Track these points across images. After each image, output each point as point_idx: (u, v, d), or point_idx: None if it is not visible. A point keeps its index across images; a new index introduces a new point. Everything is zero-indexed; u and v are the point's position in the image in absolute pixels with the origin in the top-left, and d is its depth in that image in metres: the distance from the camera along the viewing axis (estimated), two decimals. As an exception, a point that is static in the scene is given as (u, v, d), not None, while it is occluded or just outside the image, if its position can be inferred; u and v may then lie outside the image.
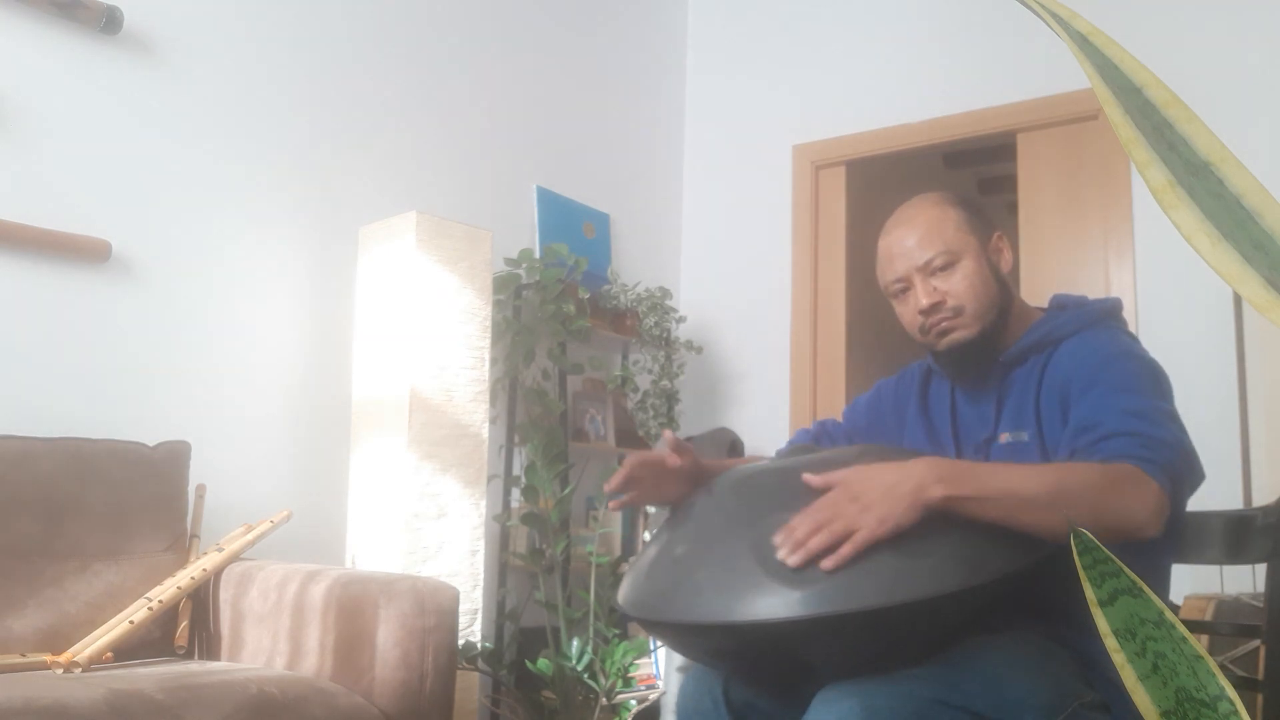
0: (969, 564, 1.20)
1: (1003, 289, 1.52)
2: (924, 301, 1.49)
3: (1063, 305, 1.54)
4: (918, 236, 1.50)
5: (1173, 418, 1.33)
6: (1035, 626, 1.35)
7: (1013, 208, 3.74)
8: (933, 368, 1.64)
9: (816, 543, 1.18)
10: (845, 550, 1.17)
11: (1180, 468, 1.28)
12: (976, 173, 5.47)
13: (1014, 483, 1.23)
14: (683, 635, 1.31)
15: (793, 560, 1.18)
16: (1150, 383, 1.37)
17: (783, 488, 1.33)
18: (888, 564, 1.18)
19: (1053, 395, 1.43)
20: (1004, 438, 1.48)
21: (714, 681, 1.37)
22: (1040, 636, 1.34)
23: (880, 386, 1.74)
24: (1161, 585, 1.45)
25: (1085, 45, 0.61)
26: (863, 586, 1.16)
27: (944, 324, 1.49)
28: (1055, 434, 1.41)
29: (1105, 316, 1.50)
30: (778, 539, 1.21)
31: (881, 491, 1.21)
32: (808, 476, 1.28)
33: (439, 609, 1.99)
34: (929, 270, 1.49)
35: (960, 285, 1.48)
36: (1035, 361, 1.48)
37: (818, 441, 1.71)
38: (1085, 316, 1.49)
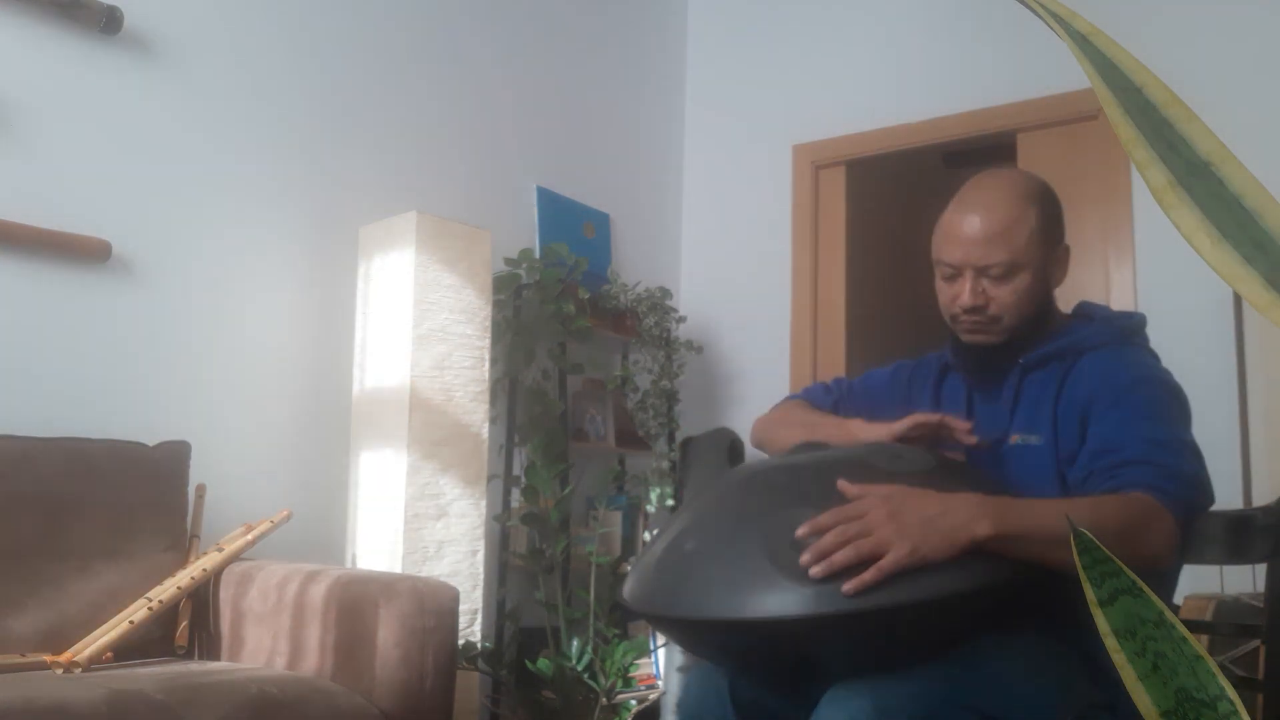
0: (980, 565, 1.20)
1: (1046, 304, 1.50)
2: (966, 301, 1.45)
3: (1090, 316, 1.53)
4: (988, 233, 1.43)
5: (1192, 449, 1.34)
6: (1044, 628, 1.35)
7: (1013, 208, 3.73)
8: (950, 361, 1.63)
9: (842, 557, 1.16)
10: (869, 577, 1.15)
11: (1194, 501, 1.30)
12: (976, 173, 5.46)
13: (1049, 521, 1.21)
14: (691, 632, 1.31)
15: (815, 571, 1.16)
16: (1173, 411, 1.38)
17: (794, 484, 1.33)
18: None
19: (1073, 405, 1.42)
20: (1015, 439, 1.48)
21: (720, 680, 1.37)
22: (1049, 638, 1.34)
23: (898, 368, 1.72)
24: (1167, 594, 1.45)
25: (1085, 45, 0.61)
26: (877, 585, 1.16)
27: (976, 325, 1.48)
28: (1070, 442, 1.41)
29: (1133, 334, 1.50)
30: (802, 532, 1.20)
31: (920, 520, 1.18)
32: (843, 484, 1.26)
33: (439, 609, 1.99)
34: (984, 272, 1.45)
35: (1009, 298, 1.44)
36: (1056, 368, 1.47)
37: (837, 405, 1.69)
38: (1113, 332, 1.48)
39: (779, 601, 1.17)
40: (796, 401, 1.78)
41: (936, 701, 1.17)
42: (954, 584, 1.18)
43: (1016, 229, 1.43)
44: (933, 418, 1.46)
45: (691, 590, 1.24)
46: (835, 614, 1.15)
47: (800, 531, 1.20)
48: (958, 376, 1.62)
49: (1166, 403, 1.39)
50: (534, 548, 3.07)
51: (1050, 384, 1.47)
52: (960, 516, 1.19)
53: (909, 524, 1.18)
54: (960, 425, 1.46)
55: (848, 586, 1.15)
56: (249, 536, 2.33)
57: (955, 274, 1.47)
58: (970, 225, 1.45)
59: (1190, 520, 1.30)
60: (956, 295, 1.47)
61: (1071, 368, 1.46)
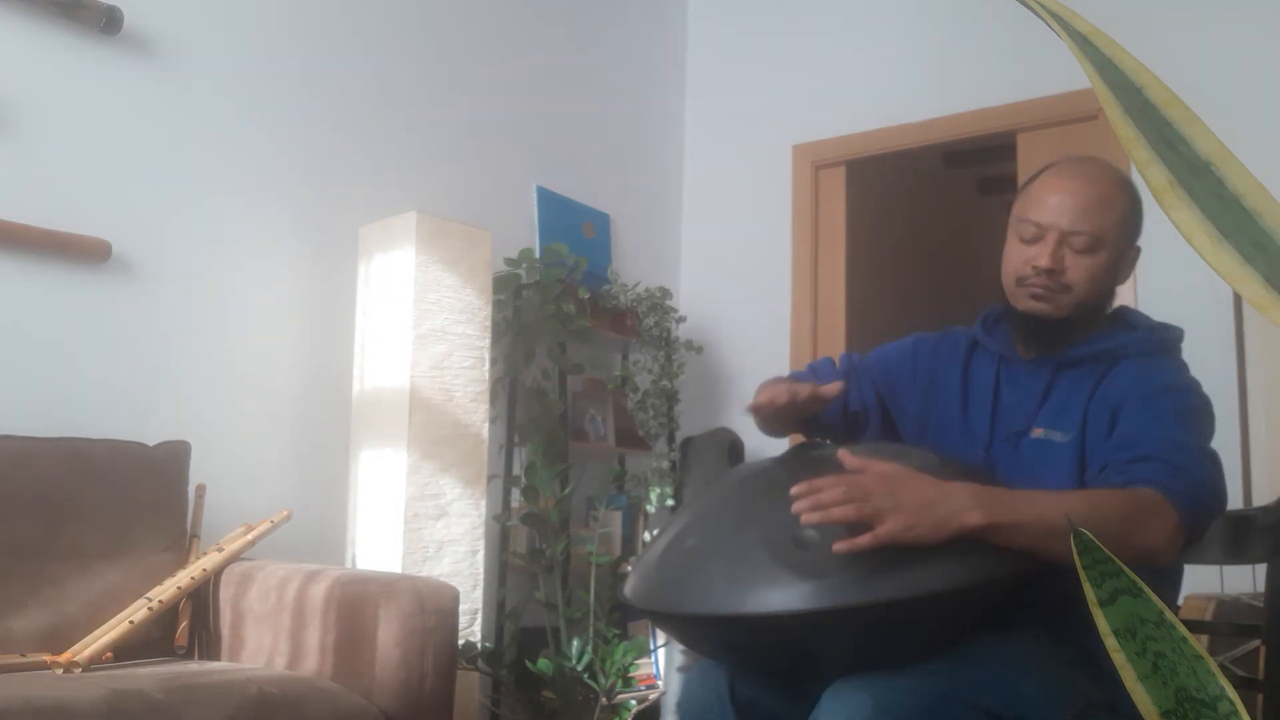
0: (982, 560, 1.20)
1: (1109, 295, 1.52)
2: (1044, 262, 1.44)
3: (1132, 325, 1.54)
4: (1083, 203, 1.44)
5: (1210, 458, 1.35)
6: (1045, 625, 1.35)
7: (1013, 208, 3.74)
8: (980, 339, 1.62)
9: (840, 513, 1.17)
10: (863, 541, 1.15)
11: (1202, 505, 1.30)
12: (976, 173, 5.47)
13: (1045, 512, 1.22)
14: (693, 628, 1.31)
15: (809, 518, 1.17)
16: (1199, 421, 1.39)
17: (795, 481, 1.33)
18: (900, 558, 1.18)
19: (1105, 406, 1.43)
20: (1037, 432, 1.48)
21: (719, 678, 1.37)
22: (1049, 635, 1.35)
23: (919, 341, 1.70)
24: (1170, 596, 1.45)
25: (1085, 45, 0.61)
26: (875, 580, 1.16)
27: (1043, 291, 1.47)
28: (1097, 443, 1.42)
29: (1172, 346, 1.52)
30: (799, 489, 1.20)
31: (917, 501, 1.20)
32: (844, 454, 1.27)
33: (439, 609, 1.99)
34: (1068, 240, 1.45)
35: (1084, 272, 1.45)
36: (1093, 369, 1.48)
37: (846, 377, 1.66)
38: (1154, 343, 1.50)
39: (781, 597, 1.17)
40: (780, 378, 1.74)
41: (937, 698, 1.18)
42: (955, 578, 1.18)
43: (1109, 208, 1.45)
44: (803, 389, 1.45)
45: (693, 586, 1.24)
46: (836, 608, 1.15)
47: (797, 488, 1.20)
48: (985, 359, 1.60)
49: (1194, 411, 1.40)
50: (534, 548, 3.07)
51: (1085, 384, 1.47)
52: (953, 505, 1.20)
53: (907, 502, 1.19)
54: (824, 389, 1.45)
55: (840, 545, 1.15)
56: (249, 536, 2.33)
57: (1038, 236, 1.47)
58: (1067, 190, 1.46)
59: (1196, 522, 1.29)
60: (1033, 257, 1.47)
61: (1109, 371, 1.47)
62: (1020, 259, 1.49)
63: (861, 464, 1.26)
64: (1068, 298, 1.46)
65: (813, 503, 1.18)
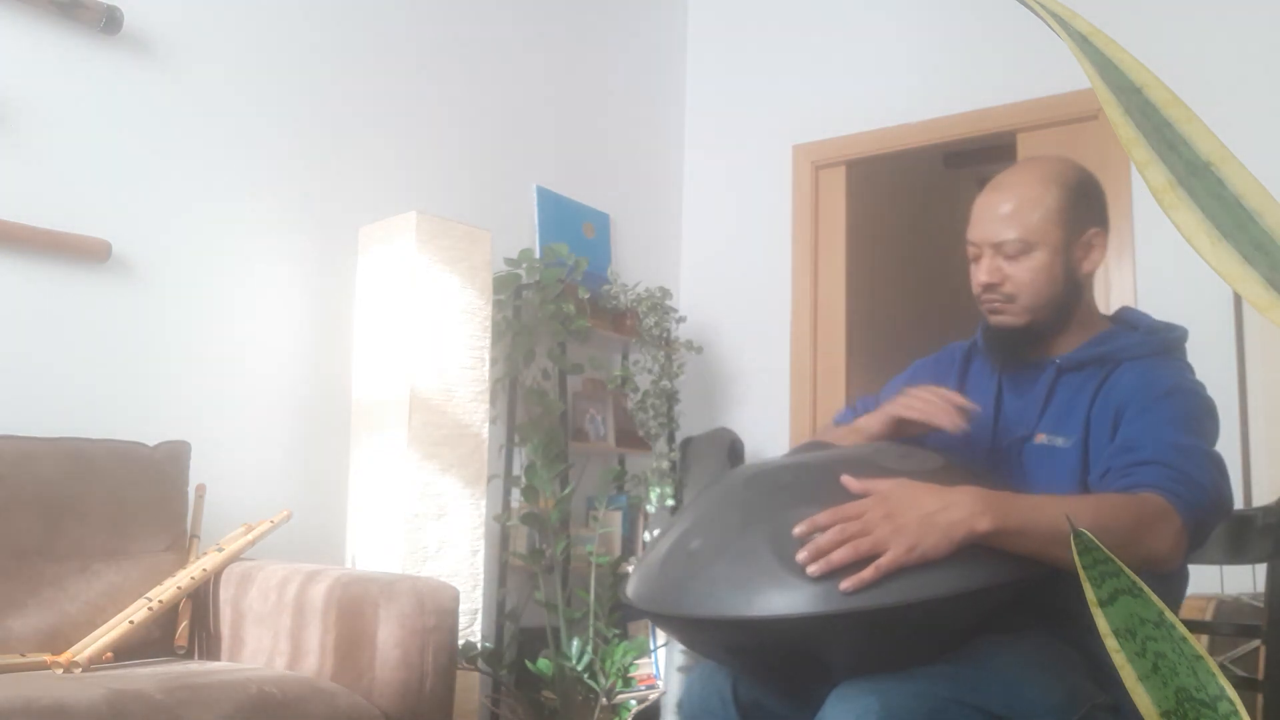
0: (988, 564, 1.20)
1: (1070, 288, 1.50)
2: (983, 278, 1.50)
3: (1133, 325, 1.53)
4: (1002, 212, 1.48)
5: (1214, 460, 1.34)
6: (1049, 628, 1.35)
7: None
8: (978, 343, 1.62)
9: (840, 556, 1.16)
10: (867, 575, 1.15)
11: (1207, 509, 1.29)
12: (976, 173, 5.46)
13: (1052, 517, 1.22)
14: (697, 630, 1.31)
15: (812, 569, 1.16)
16: (1202, 423, 1.39)
17: (800, 483, 1.32)
18: None
19: (1107, 410, 1.43)
20: (1040, 438, 1.47)
21: (722, 680, 1.37)
22: (1054, 638, 1.34)
23: (917, 367, 1.72)
24: (1175, 597, 1.45)
25: (1085, 45, 0.61)
26: (881, 584, 1.16)
27: (995, 305, 1.51)
28: (1100, 447, 1.41)
29: (1175, 347, 1.51)
30: (799, 530, 1.20)
31: (918, 517, 1.18)
32: (847, 479, 1.27)
33: (439, 609, 1.99)
34: (1000, 250, 1.48)
35: (1023, 275, 1.47)
36: (1094, 373, 1.47)
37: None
38: (1156, 344, 1.49)
39: (786, 600, 1.16)
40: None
41: (942, 701, 1.18)
42: (961, 582, 1.18)
43: (1030, 207, 1.47)
44: (910, 410, 1.44)
45: (697, 589, 1.24)
46: (843, 612, 1.15)
47: (798, 530, 1.20)
48: (986, 366, 1.61)
49: (1197, 413, 1.39)
50: (534, 548, 3.07)
51: (1087, 388, 1.46)
52: (960, 512, 1.19)
53: (907, 522, 1.18)
54: (954, 409, 1.43)
55: (845, 584, 1.15)
56: (249, 536, 2.33)
57: (977, 255, 1.52)
58: (989, 204, 1.50)
59: (1200, 527, 1.29)
60: (976, 275, 1.52)
61: (1110, 374, 1.46)
62: (973, 281, 1.54)
63: (862, 486, 1.25)
64: (1017, 305, 1.49)
65: (813, 550, 1.18)
